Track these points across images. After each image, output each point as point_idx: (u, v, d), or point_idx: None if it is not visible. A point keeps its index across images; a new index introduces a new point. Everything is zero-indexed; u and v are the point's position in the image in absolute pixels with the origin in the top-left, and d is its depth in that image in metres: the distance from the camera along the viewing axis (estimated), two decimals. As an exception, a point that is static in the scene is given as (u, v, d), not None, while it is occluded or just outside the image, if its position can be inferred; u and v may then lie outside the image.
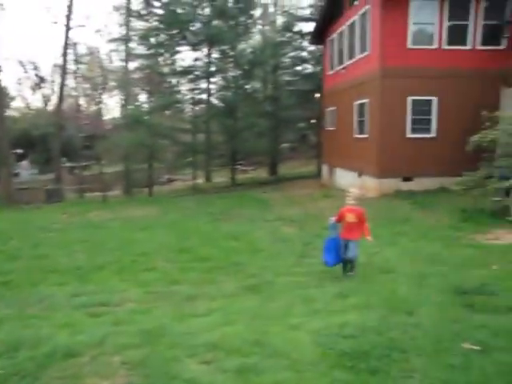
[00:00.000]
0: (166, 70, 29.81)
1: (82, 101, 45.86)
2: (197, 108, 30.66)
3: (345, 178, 18.87)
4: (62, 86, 31.47)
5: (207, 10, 26.93)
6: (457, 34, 15.08)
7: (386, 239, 9.74)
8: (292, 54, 30.49)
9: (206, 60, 27.42)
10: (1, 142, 23.16)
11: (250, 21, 29.02)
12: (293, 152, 40.20)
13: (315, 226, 11.58)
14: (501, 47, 15.25)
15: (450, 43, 15.12)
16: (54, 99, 39.01)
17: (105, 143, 31.82)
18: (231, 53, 27.45)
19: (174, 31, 26.58)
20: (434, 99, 15.28)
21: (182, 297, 6.34)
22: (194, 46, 27.33)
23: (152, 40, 27.34)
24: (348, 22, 18.42)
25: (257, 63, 27.76)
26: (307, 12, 30.30)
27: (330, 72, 21.53)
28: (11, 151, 27.06)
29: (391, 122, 15.23)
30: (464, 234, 9.93)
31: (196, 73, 27.82)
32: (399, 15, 14.85)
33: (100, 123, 42.75)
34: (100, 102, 46.69)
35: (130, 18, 30.55)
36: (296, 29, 29.69)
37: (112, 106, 70.94)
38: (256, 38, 34.59)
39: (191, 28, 26.71)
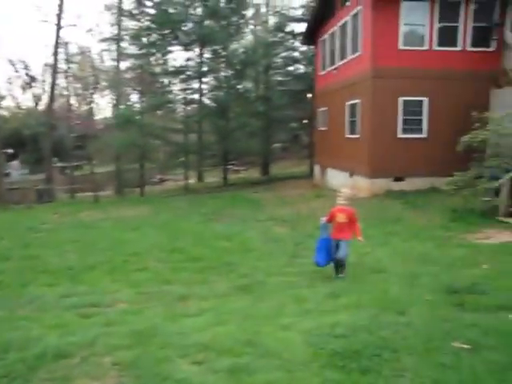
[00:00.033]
0: (157, 69, 29.74)
1: (73, 100, 45.61)
2: (189, 108, 30.60)
3: (337, 178, 18.92)
4: (53, 85, 31.32)
5: (199, 10, 26.88)
6: (447, 36, 15.19)
7: (378, 239, 9.79)
8: (284, 54, 30.57)
9: (198, 60, 27.37)
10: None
11: (242, 21, 29.02)
12: (285, 152, 40.26)
13: (307, 226, 11.60)
14: (490, 49, 15.38)
15: (440, 44, 15.22)
16: (45, 99, 38.74)
17: (96, 143, 31.72)
18: (223, 53, 27.42)
19: (166, 31, 26.50)
20: (425, 100, 15.37)
21: (173, 297, 6.33)
22: (186, 46, 27.27)
23: (144, 40, 27.23)
24: (340, 23, 18.47)
25: (249, 63, 27.76)
26: (299, 12, 30.36)
27: (322, 72, 21.58)
28: (1, 151, 26.88)
29: (383, 122, 15.30)
30: (455, 234, 9.99)
31: (188, 73, 27.76)
32: (390, 16, 14.92)
33: (91, 123, 42.56)
34: (91, 102, 46.50)
35: (122, 18, 30.45)
36: (288, 29, 29.76)
37: (103, 106, 70.56)
38: (248, 38, 34.62)
39: (183, 28, 26.65)
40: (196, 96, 28.43)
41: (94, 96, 46.02)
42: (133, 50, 28.78)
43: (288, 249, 9.58)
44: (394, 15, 14.91)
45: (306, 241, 9.82)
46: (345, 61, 18.03)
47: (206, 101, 28.99)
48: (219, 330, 4.73)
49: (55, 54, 30.37)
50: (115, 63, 32.84)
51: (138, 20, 28.38)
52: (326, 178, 20.83)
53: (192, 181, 31.92)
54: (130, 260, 8.88)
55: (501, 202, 11.06)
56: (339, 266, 6.97)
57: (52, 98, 31.44)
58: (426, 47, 15.22)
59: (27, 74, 43.01)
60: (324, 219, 7.12)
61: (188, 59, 27.90)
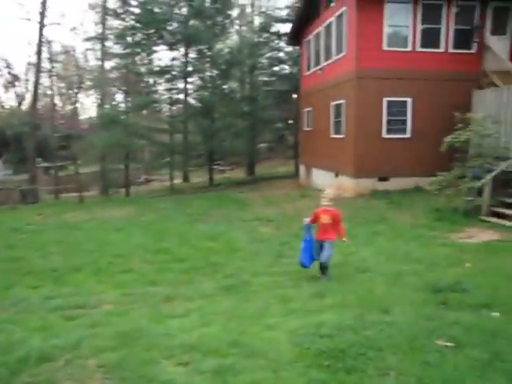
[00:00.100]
0: (142, 69, 29.57)
1: (57, 100, 45.13)
2: (174, 108, 30.48)
3: (322, 178, 19.00)
4: (37, 84, 30.98)
5: (184, 10, 26.76)
6: (430, 37, 15.37)
7: (363, 239, 9.85)
8: (269, 54, 30.56)
9: (183, 60, 27.25)
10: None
11: (227, 21, 29.00)
12: (270, 152, 40.35)
13: (292, 226, 11.63)
14: (471, 51, 15.60)
15: (423, 46, 15.39)
16: (29, 98, 38.40)
17: (81, 143, 31.47)
18: (208, 53, 27.35)
19: (151, 30, 26.34)
20: (409, 100, 15.52)
21: (159, 298, 6.30)
22: (171, 46, 27.15)
23: (129, 39, 27.04)
24: (324, 24, 18.55)
25: (234, 63, 27.75)
26: (284, 13, 30.44)
27: (307, 73, 21.66)
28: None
29: (367, 122, 15.40)
30: (439, 233, 10.10)
31: (173, 72, 27.64)
32: (375, 17, 15.03)
33: (76, 123, 42.21)
34: (76, 102, 46.16)
35: (106, 17, 30.27)
36: (273, 29, 29.80)
37: (88, 106, 70.17)
38: (233, 39, 34.65)
39: (168, 27, 26.51)
40: (181, 96, 28.31)
41: (79, 95, 45.74)
42: (117, 49, 28.61)
43: (273, 249, 9.59)
44: (378, 16, 15.03)
45: (291, 241, 9.84)
46: (329, 61, 18.12)
47: (192, 101, 28.91)
48: (205, 330, 4.73)
49: (38, 52, 30.04)
50: (100, 62, 32.64)
51: (123, 19, 28.18)
52: (312, 177, 20.91)
53: (178, 181, 31.83)
54: (115, 261, 8.82)
55: (483, 202, 11.21)
56: (322, 268, 6.97)
57: (35, 98, 31.10)
58: (409, 48, 15.36)
59: (10, 73, 42.59)
60: (307, 220, 7.12)
61: (173, 59, 27.78)
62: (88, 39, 32.02)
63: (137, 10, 27.24)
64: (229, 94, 29.74)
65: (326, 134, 18.34)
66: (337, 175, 17.34)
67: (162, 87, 29.13)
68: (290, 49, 28.91)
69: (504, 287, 5.92)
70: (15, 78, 43.02)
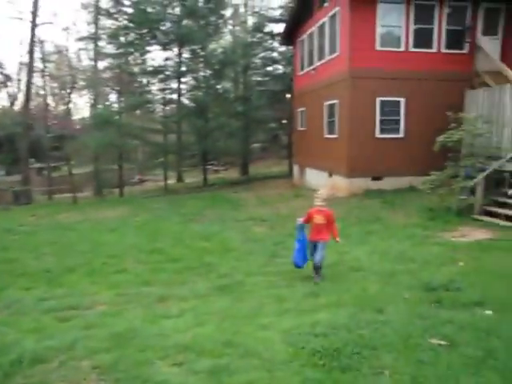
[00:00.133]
0: (136, 69, 29.48)
1: (50, 100, 44.84)
2: (167, 108, 30.44)
3: (315, 178, 19.02)
4: (29, 84, 30.80)
5: (177, 10, 26.71)
6: (423, 38, 15.42)
7: (357, 238, 9.88)
8: (263, 54, 30.56)
9: (177, 60, 27.21)
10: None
11: (220, 21, 28.95)
12: (264, 152, 40.34)
13: (286, 226, 11.64)
14: (464, 51, 15.68)
15: (416, 46, 15.44)
16: (21, 98, 38.15)
17: (74, 143, 31.31)
18: (202, 53, 27.32)
19: (144, 30, 26.27)
20: (402, 100, 15.57)
21: (153, 298, 6.29)
22: (165, 46, 27.10)
23: (122, 39, 26.95)
24: (318, 24, 18.57)
25: (227, 63, 27.72)
26: (278, 13, 30.41)
27: (301, 73, 21.68)
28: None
29: (360, 122, 15.43)
30: (432, 232, 10.13)
31: (166, 72, 27.59)
32: (368, 17, 15.06)
33: (69, 123, 41.93)
34: (69, 102, 45.83)
35: (99, 17, 30.16)
36: (267, 29, 29.79)
37: (81, 106, 69.83)
38: (227, 38, 34.62)
39: (161, 27, 26.45)
40: (175, 96, 28.27)
41: (72, 96, 45.43)
42: (110, 49, 28.47)
43: (267, 249, 9.60)
44: (370, 16, 15.07)
45: (285, 240, 9.85)
46: (323, 61, 18.14)
47: (185, 101, 28.88)
48: (199, 330, 4.73)
49: (31, 52, 29.87)
50: (93, 62, 32.52)
51: (116, 19, 28.09)
52: (305, 177, 20.94)
53: (171, 181, 31.78)
54: (108, 262, 8.80)
55: (476, 201, 11.27)
56: (316, 268, 6.96)
57: (28, 98, 30.93)
58: (402, 48, 15.41)
59: (2, 73, 42.24)
60: (301, 220, 7.10)
61: (166, 59, 27.74)
62: (81, 39, 31.89)
63: (130, 10, 27.17)
64: (222, 94, 29.72)
65: (319, 134, 18.36)
66: (330, 175, 17.36)
67: (155, 87, 29.11)
68: (283, 49, 28.92)
69: (497, 285, 5.97)
70: (7, 77, 42.74)
